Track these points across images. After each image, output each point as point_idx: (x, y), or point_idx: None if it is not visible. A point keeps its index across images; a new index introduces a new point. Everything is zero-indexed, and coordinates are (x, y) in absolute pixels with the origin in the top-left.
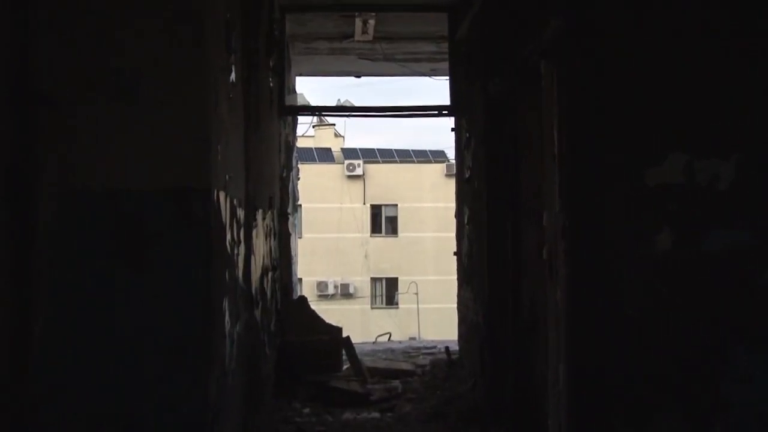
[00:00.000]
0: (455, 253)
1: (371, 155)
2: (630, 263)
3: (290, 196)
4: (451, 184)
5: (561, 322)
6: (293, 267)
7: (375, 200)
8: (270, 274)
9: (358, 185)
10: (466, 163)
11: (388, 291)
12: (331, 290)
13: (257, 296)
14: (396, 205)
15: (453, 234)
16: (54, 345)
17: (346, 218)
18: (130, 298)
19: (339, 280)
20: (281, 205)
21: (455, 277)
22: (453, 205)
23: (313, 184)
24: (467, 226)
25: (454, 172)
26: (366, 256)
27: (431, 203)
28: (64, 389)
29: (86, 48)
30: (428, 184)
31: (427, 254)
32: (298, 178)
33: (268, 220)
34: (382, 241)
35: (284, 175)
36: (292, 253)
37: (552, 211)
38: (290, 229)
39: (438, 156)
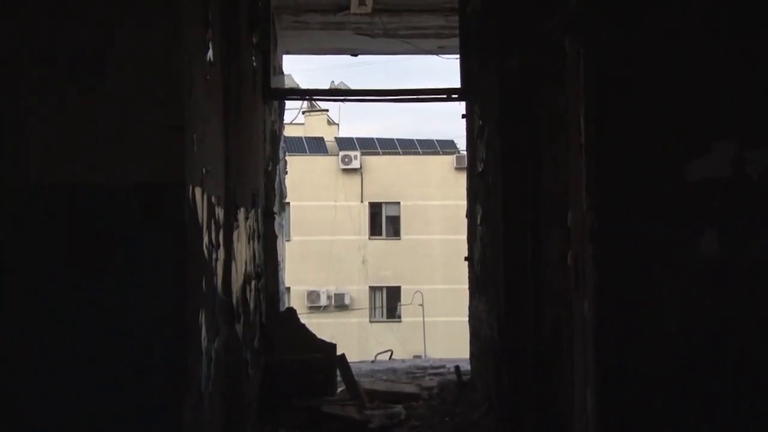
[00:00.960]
0: (466, 259)
1: (370, 146)
2: (669, 271)
3: (277, 192)
4: (462, 179)
5: (589, 338)
6: (280, 274)
7: (374, 197)
8: (253, 283)
9: (354, 180)
10: (478, 155)
11: (389, 302)
12: (323, 301)
13: (239, 308)
14: (398, 203)
15: (464, 236)
16: None
17: (340, 218)
18: (89, 309)
19: (333, 290)
20: (266, 204)
21: (466, 286)
22: (464, 203)
23: (303, 179)
24: (480, 228)
25: (465, 165)
26: (364, 262)
27: (439, 201)
28: (7, 416)
29: (39, 24)
30: (435, 179)
31: (435, 260)
32: (286, 172)
33: (251, 221)
34: (382, 245)
35: (270, 168)
36: (279, 259)
37: (578, 210)
38: (277, 231)
39: (447, 146)
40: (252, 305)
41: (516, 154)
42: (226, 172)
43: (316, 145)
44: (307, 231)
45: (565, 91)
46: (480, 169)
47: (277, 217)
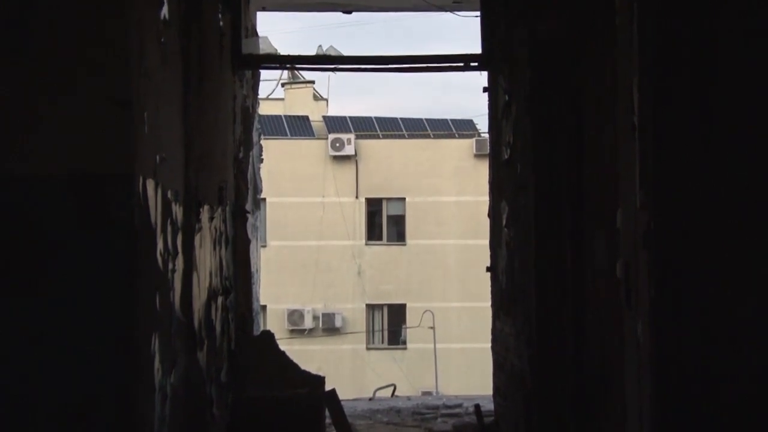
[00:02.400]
0: (489, 269)
1: (367, 126)
2: (749, 285)
3: (250, 186)
4: (483, 169)
5: (644, 369)
6: (254, 289)
7: (372, 192)
8: (220, 300)
9: (347, 170)
10: (504, 138)
11: (391, 323)
12: (308, 323)
13: (201, 331)
14: (403, 199)
15: (485, 241)
16: None
17: (330, 218)
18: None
19: (320, 309)
20: (237, 200)
21: (488, 303)
22: (485, 198)
23: (283, 169)
24: (506, 230)
25: (487, 150)
26: (359, 274)
27: (454, 196)
28: None
29: None
30: (450, 169)
31: (448, 271)
32: (261, 160)
33: (217, 222)
34: (382, 252)
35: (241, 155)
36: (253, 269)
37: (630, 208)
38: (250, 235)
39: (464, 128)
40: (218, 328)
41: (551, 137)
42: (186, 161)
43: (299, 126)
44: (288, 234)
45: (613, 58)
46: (506, 157)
47: (250, 216)
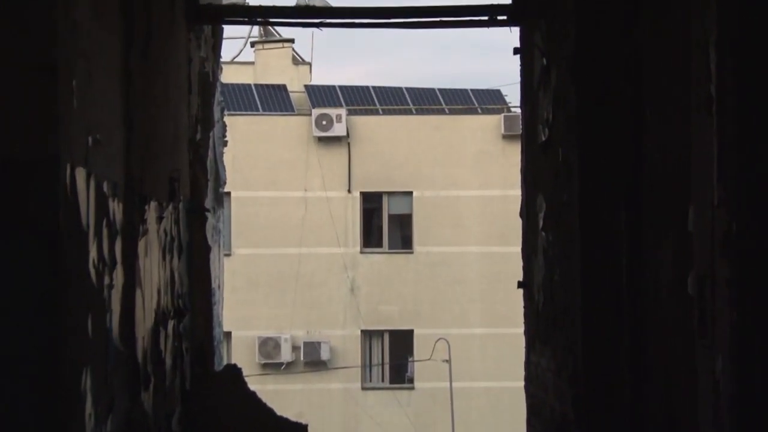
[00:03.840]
0: (521, 285)
1: (362, 99)
2: None
3: (210, 176)
4: (514, 153)
5: (723, 418)
6: (215, 311)
7: (370, 184)
8: (171, 325)
9: (337, 156)
10: (541, 115)
11: (394, 355)
12: (286, 355)
13: (147, 366)
14: (409, 193)
15: (516, 249)
16: None
17: (315, 219)
18: None
19: (302, 336)
20: (193, 195)
21: (520, 329)
22: (516, 192)
23: (254, 154)
24: (543, 234)
25: (519, 130)
26: (353, 291)
27: (476, 190)
28: None
29: None
30: (470, 154)
31: (468, 286)
32: (225, 143)
33: (168, 222)
34: (383, 263)
35: (198, 137)
36: (214, 285)
37: (704, 206)
38: (210, 240)
39: (489, 100)
40: (169, 361)
41: (602, 113)
42: (126, 144)
43: (274, 99)
44: (260, 240)
45: (685, 14)
46: (544, 138)
47: (210, 216)
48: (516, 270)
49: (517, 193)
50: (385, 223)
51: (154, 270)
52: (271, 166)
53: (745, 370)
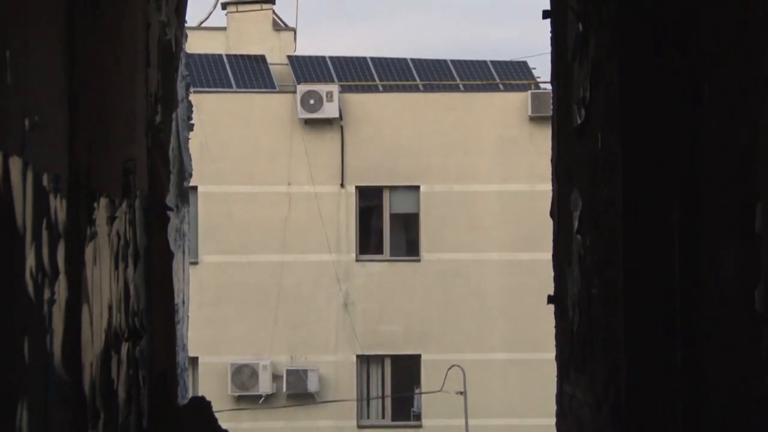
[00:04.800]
0: (551, 300)
1: (358, 72)
2: None
3: (172, 167)
4: (543, 139)
5: None
6: (179, 331)
7: (368, 177)
8: (126, 348)
9: (328, 142)
10: (576, 93)
11: (397, 386)
12: (265, 385)
13: (96, 398)
14: (416, 188)
15: (546, 255)
16: None
17: (300, 218)
18: None
19: (284, 363)
20: (152, 190)
21: (551, 354)
22: (546, 188)
23: (228, 140)
24: (579, 238)
25: (550, 111)
26: (347, 307)
27: (497, 184)
28: None
29: None
30: (490, 140)
31: (488, 301)
32: (191, 127)
33: (121, 224)
34: (383, 273)
35: (158, 120)
36: (177, 300)
37: None
38: (172, 245)
39: (513, 74)
40: (122, 393)
41: (651, 91)
42: (71, 127)
43: (250, 72)
44: (234, 245)
45: None
46: (580, 121)
47: (173, 216)
48: (545, 282)
49: (547, 187)
50: (386, 225)
51: (105, 282)
52: (247, 154)
53: None
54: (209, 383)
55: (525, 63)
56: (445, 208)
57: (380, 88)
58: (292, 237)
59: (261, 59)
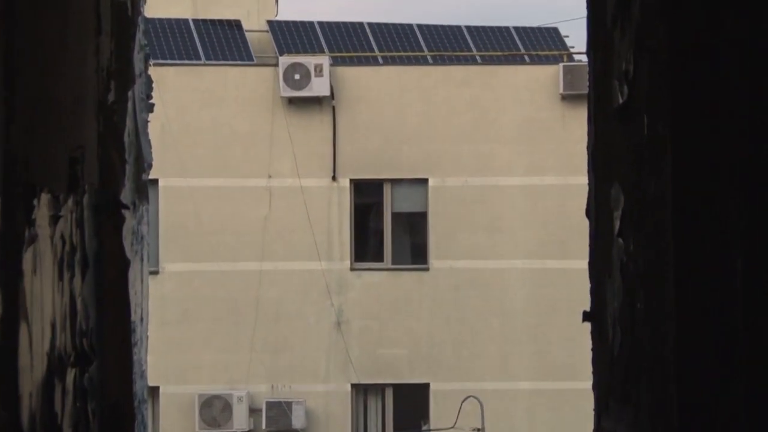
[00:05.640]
0: (587, 317)
1: (353, 41)
2: None
3: (127, 156)
4: (578, 123)
5: None
6: (136, 355)
7: (364, 168)
8: (73, 375)
9: (317, 125)
10: (617, 66)
11: (400, 420)
12: (240, 420)
13: None
14: (424, 181)
15: (581, 263)
16: None
17: (283, 218)
18: None
19: (264, 393)
20: (105, 183)
21: (587, 383)
22: (580, 181)
23: (195, 123)
24: (620, 242)
25: (585, 89)
26: (339, 325)
27: (521, 176)
28: None
29: None
30: (513, 122)
31: (510, 319)
32: (151, 107)
33: (66, 224)
34: (384, 284)
35: (111, 100)
36: (134, 317)
37: None
38: (128, 249)
39: (540, 44)
40: (68, 428)
41: (707, 64)
42: (5, 109)
43: (222, 41)
44: (202, 250)
45: None
46: (622, 100)
47: (129, 215)
48: (580, 295)
49: (582, 181)
50: (386, 226)
51: (47, 295)
52: (219, 141)
53: None
54: (173, 418)
55: (556, 30)
56: (458, 205)
57: (380, 60)
58: (273, 241)
59: (235, 25)
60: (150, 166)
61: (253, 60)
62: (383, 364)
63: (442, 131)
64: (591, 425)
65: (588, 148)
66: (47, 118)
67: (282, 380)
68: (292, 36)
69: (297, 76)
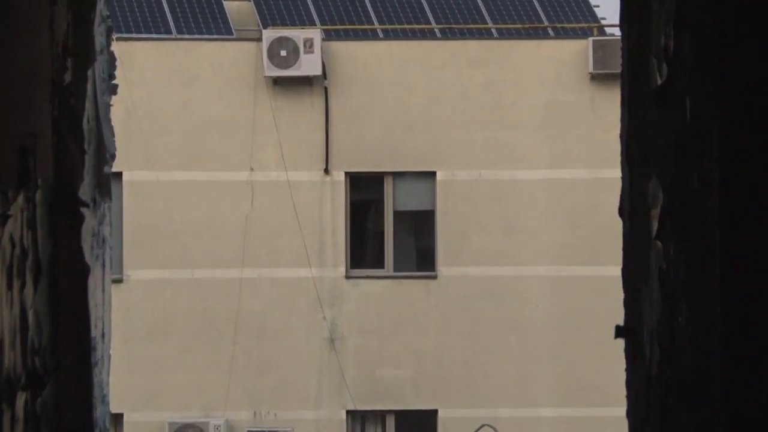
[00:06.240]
0: (621, 331)
1: (348, 12)
2: None
3: (87, 146)
4: (610, 106)
5: None
6: (97, 376)
7: (362, 160)
8: (24, 398)
9: (306, 109)
10: (654, 41)
11: None
12: None
13: None
14: (431, 174)
15: (613, 270)
16: None
17: (268, 217)
18: None
19: (246, 422)
20: (60, 178)
21: (620, 410)
22: (612, 175)
23: (165, 107)
24: (659, 245)
25: (619, 67)
26: (333, 342)
27: (544, 169)
28: None
29: None
30: (534, 107)
31: (532, 335)
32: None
33: (16, 225)
34: (385, 294)
35: (68, 79)
36: (94, 332)
37: None
38: (88, 254)
39: (566, 15)
40: None
41: (757, 39)
42: None
43: (197, 13)
44: (173, 255)
45: None
46: (660, 81)
47: (88, 214)
48: (612, 307)
49: (614, 174)
50: (388, 227)
51: None
52: (193, 128)
53: None
54: None
55: (586, 0)
56: (471, 203)
57: (380, 34)
58: (256, 244)
59: None
60: (113, 157)
61: (232, 34)
62: (384, 388)
63: (452, 117)
64: None
65: (621, 136)
66: None
67: (266, 406)
68: (278, 6)
69: (283, 53)
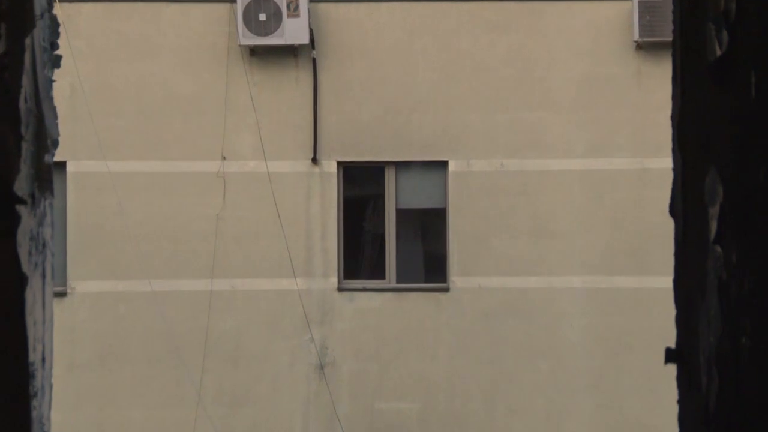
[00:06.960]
0: (672, 354)
1: None
2: None
3: (25, 130)
4: (659, 82)
5: None
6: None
7: (357, 147)
8: None
9: (290, 85)
10: (712, 5)
11: None
12: None
13: None
14: (442, 164)
15: (664, 281)
16: None
17: (242, 217)
18: None
19: None
20: None
21: None
22: (662, 165)
23: (118, 83)
24: (718, 251)
25: (669, 35)
26: (322, 368)
27: (579, 158)
28: None
29: None
30: (567, 82)
31: (564, 357)
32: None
33: None
34: (386, 309)
35: (1, 50)
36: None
37: None
38: (26, 262)
39: None
40: None
41: None
42: None
43: None
44: (128, 263)
45: None
46: (720, 52)
47: (25, 213)
48: (661, 325)
49: (664, 164)
50: (390, 228)
51: None
52: (152, 107)
53: None
54: None
55: None
56: (490, 199)
57: None
58: (228, 249)
59: None
60: (56, 143)
61: None
62: (384, 424)
63: (467, 95)
64: None
65: (672, 118)
66: None
67: None
68: None
69: (262, 17)
